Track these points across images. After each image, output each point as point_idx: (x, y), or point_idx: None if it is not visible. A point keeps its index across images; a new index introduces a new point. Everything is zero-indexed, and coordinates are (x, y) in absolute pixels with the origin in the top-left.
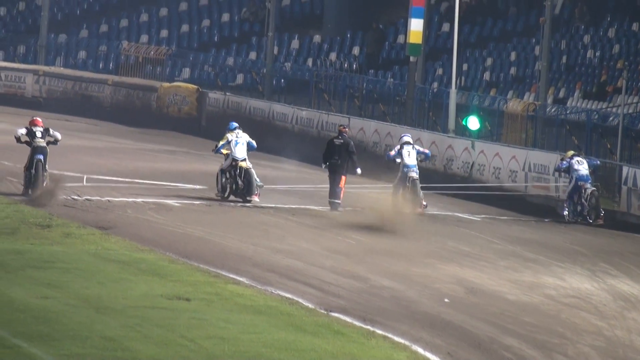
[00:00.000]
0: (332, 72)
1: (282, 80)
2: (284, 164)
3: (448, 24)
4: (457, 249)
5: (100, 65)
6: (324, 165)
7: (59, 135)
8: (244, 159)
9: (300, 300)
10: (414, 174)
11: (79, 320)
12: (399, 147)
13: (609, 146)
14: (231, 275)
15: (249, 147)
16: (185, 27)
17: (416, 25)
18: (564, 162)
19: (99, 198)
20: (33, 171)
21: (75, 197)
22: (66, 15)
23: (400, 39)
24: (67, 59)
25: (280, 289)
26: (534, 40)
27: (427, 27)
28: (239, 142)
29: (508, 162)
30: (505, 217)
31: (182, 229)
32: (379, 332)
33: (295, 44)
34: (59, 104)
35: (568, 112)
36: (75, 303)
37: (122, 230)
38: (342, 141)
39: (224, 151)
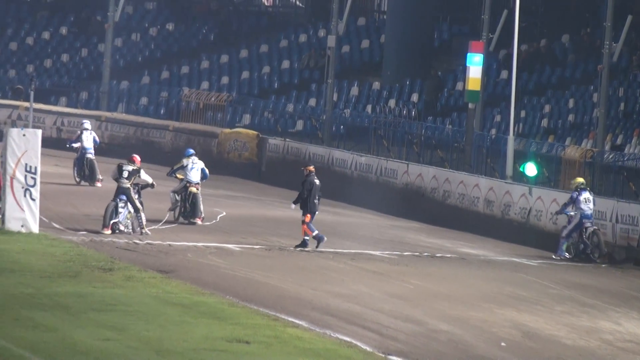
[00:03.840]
0: (391, 118)
1: (342, 127)
2: (343, 209)
3: (506, 71)
4: (514, 294)
5: (162, 111)
6: (294, 206)
7: (149, 180)
8: (197, 183)
9: (358, 343)
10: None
11: None
12: None
13: None
14: (290, 319)
15: (203, 174)
16: (245, 74)
17: (474, 73)
18: (573, 195)
19: (160, 242)
20: (110, 209)
21: (137, 241)
22: (128, 62)
23: (459, 86)
24: (129, 105)
25: (339, 332)
26: (592, 88)
27: (486, 74)
28: (194, 167)
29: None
30: (562, 263)
31: (241, 272)
32: None
33: (354, 90)
34: (121, 150)
35: (626, 158)
36: (136, 345)
37: (182, 273)
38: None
39: (179, 175)
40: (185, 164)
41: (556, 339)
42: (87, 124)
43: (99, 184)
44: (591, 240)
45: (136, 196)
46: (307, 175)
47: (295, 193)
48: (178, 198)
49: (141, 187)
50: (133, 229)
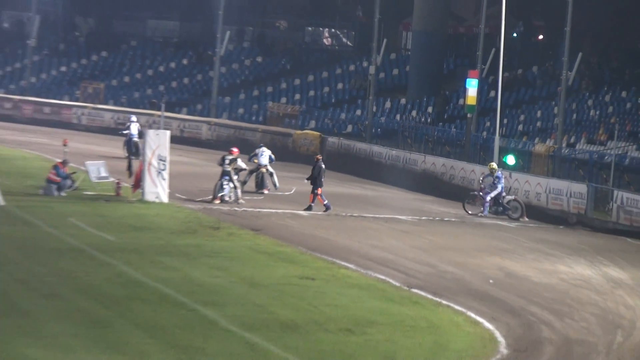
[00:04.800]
0: (413, 124)
1: (379, 129)
2: (379, 187)
3: (494, 91)
4: (499, 246)
5: (253, 118)
6: (307, 181)
7: (243, 165)
8: (265, 165)
9: (390, 280)
10: None
11: (238, 293)
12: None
13: (604, 176)
14: (342, 263)
15: (270, 159)
16: (311, 92)
17: (472, 92)
18: (499, 176)
19: (252, 209)
20: (218, 186)
21: (236, 208)
22: (230, 83)
23: (461, 101)
24: (230, 113)
25: (377, 272)
26: (553, 103)
27: (479, 93)
28: (264, 154)
29: (535, 187)
30: (532, 225)
31: (308, 231)
32: (444, 302)
33: (387, 104)
34: (224, 144)
35: (577, 152)
36: (236, 281)
37: (268, 231)
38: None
39: (255, 160)
40: (257, 152)
41: (528, 278)
42: (133, 117)
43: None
44: (511, 204)
45: (235, 177)
46: (316, 161)
47: (346, 176)
48: (247, 179)
49: (238, 170)
50: (233, 199)
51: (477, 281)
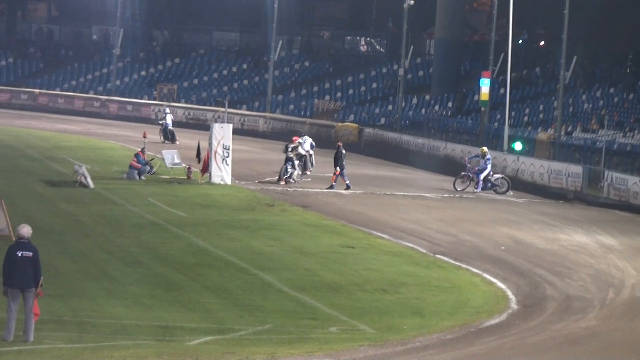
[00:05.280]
0: (436, 116)
1: (407, 121)
2: (408, 170)
3: (503, 88)
4: (509, 219)
5: (302, 113)
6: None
7: (303, 152)
8: (307, 151)
9: (418, 247)
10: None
11: (290, 259)
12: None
13: (596, 159)
14: (378, 233)
15: (311, 145)
16: (350, 91)
17: (485, 89)
18: (489, 158)
19: (301, 189)
20: (283, 171)
21: (288, 189)
22: (282, 84)
23: (475, 97)
24: (283, 109)
25: (407, 241)
26: (553, 98)
27: (491, 90)
28: (306, 141)
29: (538, 168)
30: (537, 200)
31: (349, 207)
32: (464, 266)
33: (414, 100)
34: (279, 135)
35: (573, 139)
36: (288, 249)
37: (315, 207)
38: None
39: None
40: (301, 140)
41: (533, 245)
42: (167, 109)
43: (177, 142)
44: (499, 181)
45: (297, 162)
46: (338, 147)
47: (380, 161)
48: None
49: (299, 156)
50: (294, 180)
51: (491, 248)
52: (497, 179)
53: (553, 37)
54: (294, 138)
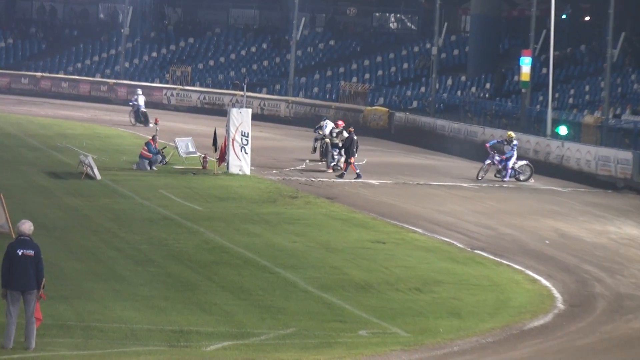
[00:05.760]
0: (472, 99)
1: (441, 105)
2: (442, 157)
3: (546, 68)
4: (553, 210)
5: (327, 96)
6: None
7: (345, 135)
8: (329, 136)
9: (454, 242)
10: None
11: (315, 256)
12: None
13: None
14: (410, 227)
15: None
16: (380, 72)
17: (525, 69)
18: (516, 143)
19: (327, 179)
20: (330, 157)
21: (312, 179)
22: (305, 65)
23: (516, 78)
24: (306, 92)
25: (442, 235)
26: (600, 78)
27: (533, 70)
28: (327, 126)
29: (585, 155)
30: (583, 189)
31: (379, 198)
32: (504, 262)
33: (449, 81)
34: (302, 121)
35: (622, 123)
36: (313, 245)
37: (342, 199)
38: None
39: (320, 131)
40: (322, 124)
41: (580, 238)
42: (139, 90)
43: (151, 124)
44: (522, 168)
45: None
46: (349, 133)
47: (412, 147)
48: (316, 145)
49: (344, 140)
50: (340, 167)
51: (534, 242)
52: (521, 165)
53: (599, 11)
54: (339, 122)
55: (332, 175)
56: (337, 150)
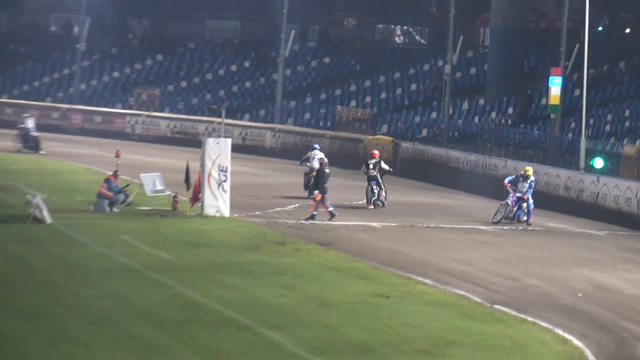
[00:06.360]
0: (492, 126)
1: (456, 133)
2: (457, 195)
3: (578, 89)
4: (587, 257)
5: (321, 123)
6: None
7: (387, 167)
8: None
9: (471, 296)
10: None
11: (306, 313)
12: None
13: None
14: (419, 278)
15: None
16: (383, 95)
17: (555, 91)
18: (534, 180)
19: (320, 222)
20: (369, 192)
21: (303, 222)
22: (295, 87)
23: (543, 101)
24: (296, 119)
25: (457, 288)
26: None
27: (563, 92)
28: (315, 157)
29: (625, 192)
30: (623, 233)
31: (382, 244)
32: (530, 319)
33: (465, 105)
34: (291, 153)
35: None
36: (303, 300)
37: (338, 246)
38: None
39: (308, 163)
40: (309, 155)
41: (619, 290)
42: (27, 113)
43: (42, 152)
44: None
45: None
46: (320, 165)
47: (421, 183)
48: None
49: (384, 172)
50: (382, 202)
51: (565, 295)
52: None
53: None
54: (374, 152)
55: (327, 217)
56: (376, 183)
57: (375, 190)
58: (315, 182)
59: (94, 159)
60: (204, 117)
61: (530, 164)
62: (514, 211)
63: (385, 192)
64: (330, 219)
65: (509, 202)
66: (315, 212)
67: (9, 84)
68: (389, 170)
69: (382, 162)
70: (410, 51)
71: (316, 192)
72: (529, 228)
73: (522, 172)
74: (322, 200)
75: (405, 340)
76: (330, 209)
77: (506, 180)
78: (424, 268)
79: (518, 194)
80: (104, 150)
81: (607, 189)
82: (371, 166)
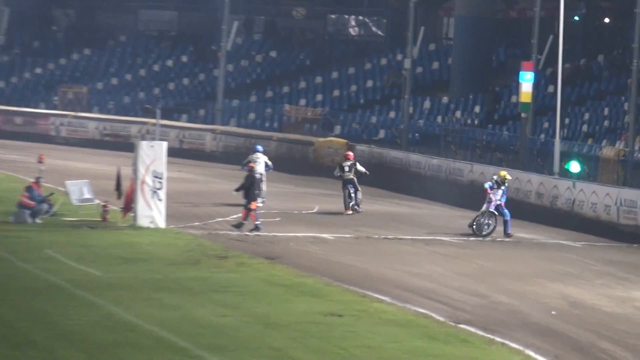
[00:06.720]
0: (457, 127)
1: (417, 134)
2: (418, 203)
3: (552, 86)
4: (561, 270)
5: (267, 124)
6: (235, 193)
7: (363, 169)
8: (261, 174)
9: (433, 314)
10: None
11: (251, 334)
12: None
13: None
14: (376, 295)
15: (266, 166)
16: (336, 92)
17: (526, 88)
18: (506, 188)
19: (266, 233)
20: (346, 196)
21: (247, 233)
22: (238, 84)
23: (513, 98)
24: (239, 119)
25: (417, 306)
26: (623, 98)
27: (535, 88)
28: (258, 161)
29: (603, 198)
30: (601, 244)
31: (335, 258)
32: (498, 339)
33: (427, 104)
34: (234, 157)
35: None
36: (248, 320)
37: (285, 259)
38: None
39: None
40: (251, 159)
41: (597, 307)
42: None
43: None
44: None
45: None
46: (250, 170)
47: (378, 190)
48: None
49: (359, 175)
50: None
51: (537, 313)
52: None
53: (623, 12)
54: (348, 154)
55: (274, 227)
56: (353, 187)
57: (353, 195)
58: (246, 189)
59: (14, 165)
60: (136, 118)
61: (500, 169)
62: (509, 222)
63: (361, 195)
64: (252, 230)
65: (493, 211)
66: (257, 222)
67: None
68: (365, 172)
69: (357, 163)
70: (366, 44)
71: (253, 200)
72: (498, 239)
73: (495, 177)
74: (251, 208)
75: None
76: (258, 221)
77: (488, 187)
78: (381, 284)
79: (501, 202)
80: (25, 154)
81: (584, 196)
82: (347, 168)
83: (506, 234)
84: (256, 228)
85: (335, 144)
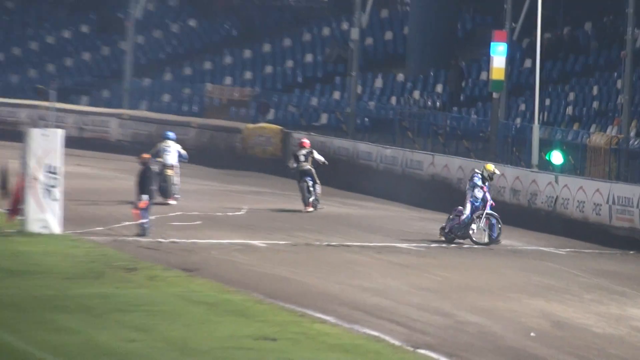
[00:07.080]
0: (415, 110)
1: (366, 119)
2: (368, 202)
3: (530, 60)
4: (542, 283)
5: (184, 108)
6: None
7: (322, 158)
8: (172, 166)
9: (387, 337)
10: None
11: None
12: None
13: None
14: (317, 315)
15: (180, 156)
16: (269, 69)
17: (498, 62)
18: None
19: (184, 240)
20: (305, 190)
21: (161, 240)
22: (150, 59)
23: (483, 75)
24: (152, 102)
25: (367, 327)
26: (615, 74)
27: (509, 63)
28: (169, 150)
29: (592, 196)
30: (590, 250)
31: (267, 269)
32: None
33: (378, 82)
34: (144, 147)
35: None
36: (161, 346)
37: (207, 271)
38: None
39: (159, 159)
40: (161, 148)
41: (585, 328)
42: None
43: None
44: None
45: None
46: (145, 163)
47: (323, 188)
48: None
49: (317, 164)
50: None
51: (513, 334)
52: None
53: None
54: (303, 141)
55: (194, 232)
56: (311, 179)
57: (312, 188)
58: (141, 184)
59: None
60: (26, 101)
61: (467, 160)
62: (496, 227)
63: (320, 189)
64: (138, 235)
65: (492, 212)
66: (144, 220)
67: None
68: (325, 162)
69: (314, 151)
70: (305, 11)
71: (144, 197)
72: (464, 246)
73: (479, 171)
74: (145, 207)
75: None
76: (145, 220)
77: (480, 183)
78: (323, 301)
79: (489, 201)
80: None
81: (568, 192)
82: (302, 158)
83: (496, 240)
84: (142, 230)
85: (268, 132)
